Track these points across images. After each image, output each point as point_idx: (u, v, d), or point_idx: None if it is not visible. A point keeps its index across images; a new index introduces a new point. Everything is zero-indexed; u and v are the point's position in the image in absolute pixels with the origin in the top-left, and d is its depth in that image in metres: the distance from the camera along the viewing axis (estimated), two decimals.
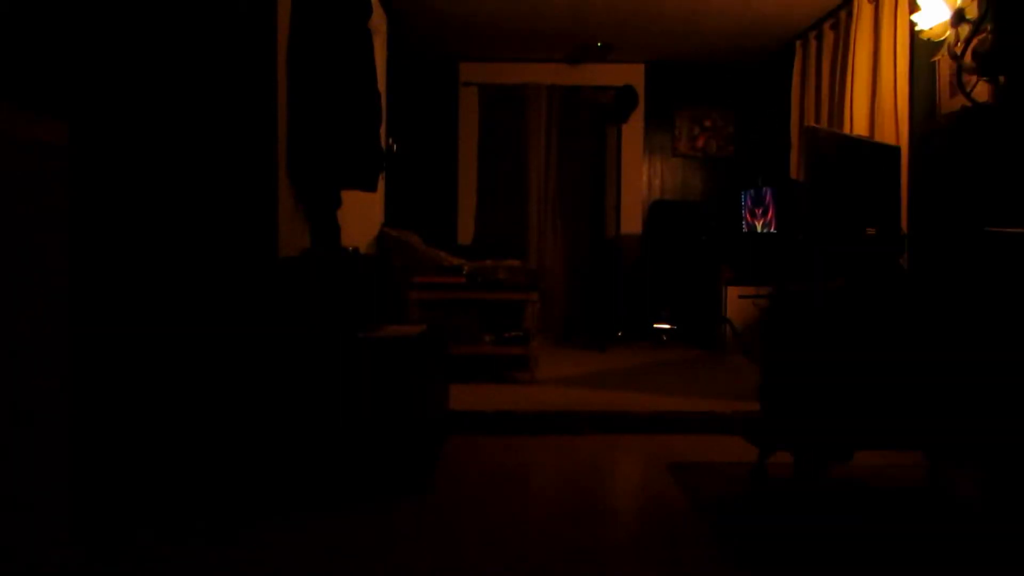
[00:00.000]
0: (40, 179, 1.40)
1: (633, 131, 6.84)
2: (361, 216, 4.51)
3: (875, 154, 3.03)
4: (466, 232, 6.80)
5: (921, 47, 4.12)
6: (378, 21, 4.83)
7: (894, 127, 4.21)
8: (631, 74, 6.76)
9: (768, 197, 5.54)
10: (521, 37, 6.03)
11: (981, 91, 3.37)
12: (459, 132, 6.81)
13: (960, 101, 3.66)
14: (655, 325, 6.21)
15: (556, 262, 6.76)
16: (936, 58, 3.99)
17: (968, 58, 3.21)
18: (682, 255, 6.39)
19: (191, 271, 2.53)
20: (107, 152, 2.34)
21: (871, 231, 2.86)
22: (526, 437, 3.25)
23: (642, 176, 6.88)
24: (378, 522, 2.23)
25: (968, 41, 3.25)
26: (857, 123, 4.52)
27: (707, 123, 6.87)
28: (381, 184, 4.77)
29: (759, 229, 5.66)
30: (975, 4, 3.52)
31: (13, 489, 1.34)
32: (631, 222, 6.84)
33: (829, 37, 5.12)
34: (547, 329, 6.56)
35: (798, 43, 5.61)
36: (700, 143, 6.88)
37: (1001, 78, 3.09)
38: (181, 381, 2.46)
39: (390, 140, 5.31)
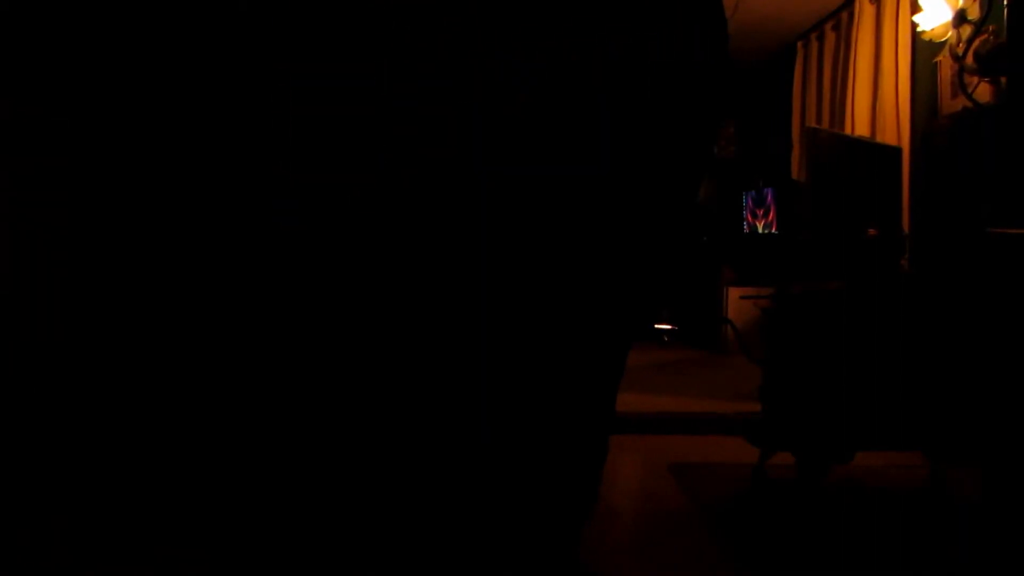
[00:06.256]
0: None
1: None
2: None
3: (876, 155, 3.03)
4: None
5: (922, 48, 4.12)
6: None
7: (895, 128, 4.21)
8: None
9: (769, 198, 5.55)
10: None
11: (983, 92, 3.37)
12: None
13: (961, 102, 3.66)
14: (656, 326, 6.21)
15: None
16: (938, 59, 3.99)
17: (970, 59, 3.21)
18: (683, 255, 6.39)
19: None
20: None
21: (873, 232, 2.86)
22: None
23: None
24: None
25: (970, 42, 3.25)
26: (858, 124, 4.52)
27: None
28: None
29: (760, 230, 5.67)
30: (977, 5, 3.52)
31: None
32: None
33: (831, 38, 5.12)
34: None
35: (799, 44, 5.62)
36: None
37: (1003, 79, 3.09)
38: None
39: None
